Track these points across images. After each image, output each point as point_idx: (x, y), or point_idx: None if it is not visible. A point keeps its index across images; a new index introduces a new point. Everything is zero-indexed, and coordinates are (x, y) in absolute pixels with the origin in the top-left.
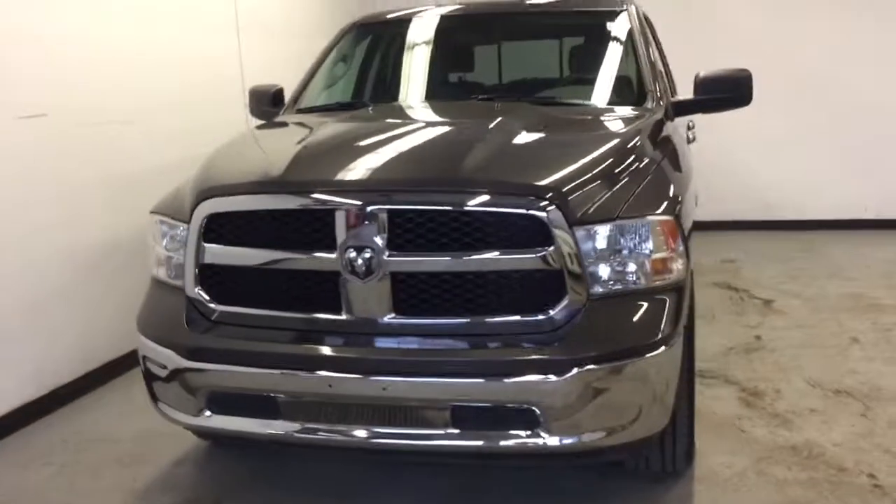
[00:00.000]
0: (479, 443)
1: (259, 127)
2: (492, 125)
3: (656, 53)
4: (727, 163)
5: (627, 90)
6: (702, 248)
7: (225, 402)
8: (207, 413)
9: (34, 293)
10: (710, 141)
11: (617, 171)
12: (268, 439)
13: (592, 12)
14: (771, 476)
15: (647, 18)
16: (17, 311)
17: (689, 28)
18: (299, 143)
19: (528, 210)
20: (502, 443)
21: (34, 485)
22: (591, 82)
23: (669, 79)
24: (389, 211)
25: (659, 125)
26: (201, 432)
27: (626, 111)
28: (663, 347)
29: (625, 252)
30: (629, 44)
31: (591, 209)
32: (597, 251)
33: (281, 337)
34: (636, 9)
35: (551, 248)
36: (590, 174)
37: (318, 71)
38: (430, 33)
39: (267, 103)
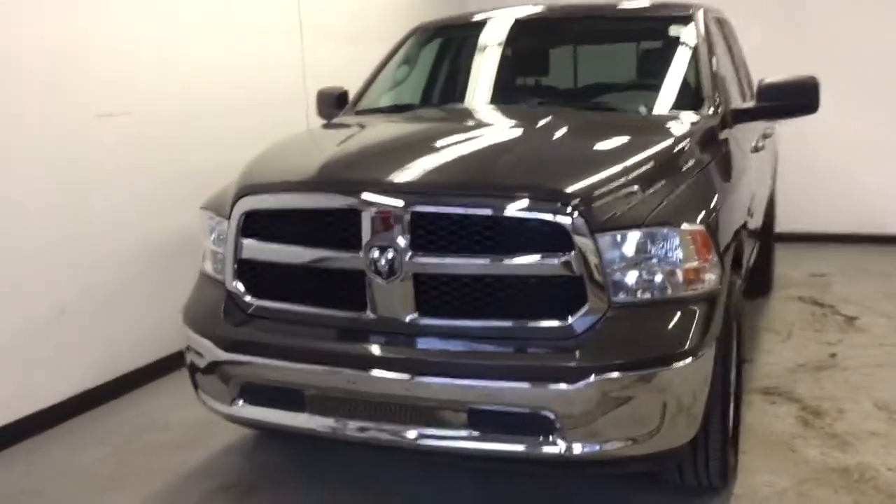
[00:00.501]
0: (496, 446)
1: (313, 128)
2: (530, 131)
3: (722, 59)
4: (825, 172)
5: (683, 97)
6: (791, 260)
7: (256, 393)
8: (240, 403)
9: (108, 284)
10: (806, 148)
11: (650, 177)
12: (294, 431)
13: (656, 17)
14: (813, 498)
15: (721, 22)
16: (90, 301)
17: (793, 32)
18: (338, 144)
19: (549, 215)
20: (519, 447)
21: (86, 463)
22: (646, 88)
23: (746, 83)
24: (413, 213)
25: (711, 132)
26: (235, 421)
27: (677, 118)
28: (690, 359)
29: (652, 260)
30: (690, 50)
31: (616, 216)
32: (621, 258)
33: (309, 332)
34: (704, 14)
35: (572, 253)
36: (619, 180)
37: (380, 74)
38: (487, 38)
39: (332, 105)
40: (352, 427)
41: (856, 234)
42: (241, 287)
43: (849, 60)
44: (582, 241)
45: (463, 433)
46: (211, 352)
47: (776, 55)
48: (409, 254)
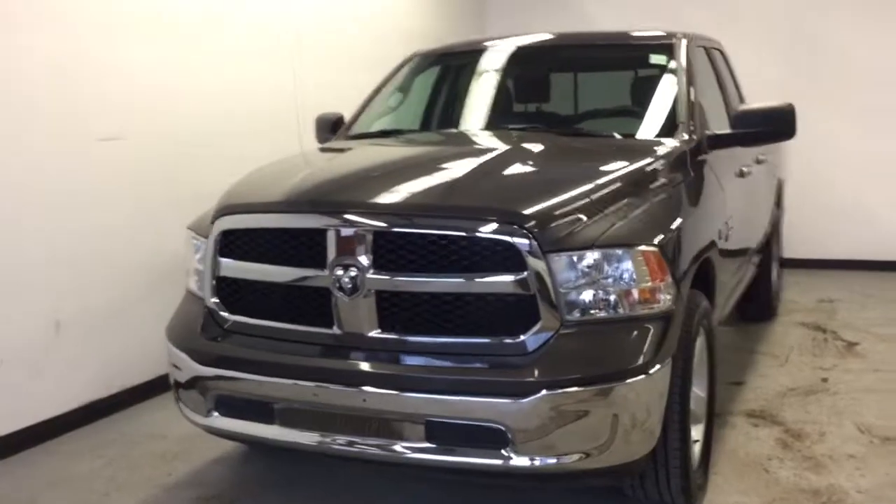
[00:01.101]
0: (452, 458)
1: (297, 153)
2: (499, 156)
3: (705, 87)
4: (838, 198)
5: (658, 123)
6: (802, 286)
7: (230, 405)
8: (215, 414)
9: (106, 303)
10: (819, 175)
11: (609, 200)
12: (265, 442)
13: (639, 46)
14: None
15: (709, 50)
16: (88, 318)
17: (803, 58)
18: (314, 168)
19: (502, 236)
20: (473, 460)
21: (82, 473)
22: (624, 114)
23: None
24: (374, 233)
25: (681, 158)
26: (212, 431)
27: (649, 143)
28: (642, 375)
29: (605, 280)
30: (669, 78)
31: (570, 237)
32: (574, 278)
33: (278, 347)
34: (686, 43)
35: (525, 273)
36: (577, 202)
37: (374, 100)
38: (476, 67)
39: (327, 130)
40: (317, 439)
41: (869, 260)
42: (218, 303)
43: (861, 85)
44: (534, 262)
45: (420, 445)
46: (188, 365)
47: (786, 80)
48: (371, 272)
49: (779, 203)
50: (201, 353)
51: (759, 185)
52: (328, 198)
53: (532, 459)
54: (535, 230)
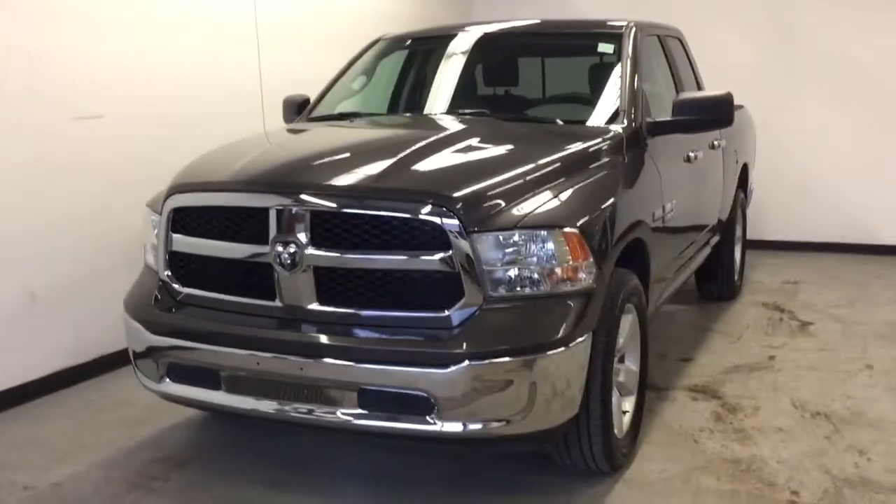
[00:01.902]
0: (382, 423)
1: (252, 134)
2: (437, 138)
3: (655, 75)
4: (811, 182)
5: (600, 109)
6: (770, 268)
7: (180, 372)
8: (167, 381)
9: (85, 274)
10: (792, 159)
11: (537, 182)
12: (212, 407)
13: (589, 34)
14: (695, 484)
15: (663, 39)
16: (61, 290)
17: (781, 47)
18: (265, 148)
19: (428, 216)
20: (402, 425)
21: (50, 434)
22: (567, 101)
23: None
24: (311, 211)
25: (618, 143)
26: (165, 397)
27: (587, 130)
28: (562, 348)
29: (527, 259)
30: (614, 66)
31: (491, 217)
32: (497, 257)
33: (226, 318)
34: (634, 32)
35: (450, 252)
36: (504, 185)
37: (337, 83)
38: (434, 53)
39: (293, 112)
40: (258, 404)
41: (839, 243)
42: (171, 276)
43: (835, 73)
44: (459, 241)
45: (353, 411)
46: (142, 334)
47: (765, 70)
48: (309, 249)
49: (743, 186)
50: (154, 324)
51: (711, 170)
52: (270, 178)
53: (455, 425)
54: (461, 211)
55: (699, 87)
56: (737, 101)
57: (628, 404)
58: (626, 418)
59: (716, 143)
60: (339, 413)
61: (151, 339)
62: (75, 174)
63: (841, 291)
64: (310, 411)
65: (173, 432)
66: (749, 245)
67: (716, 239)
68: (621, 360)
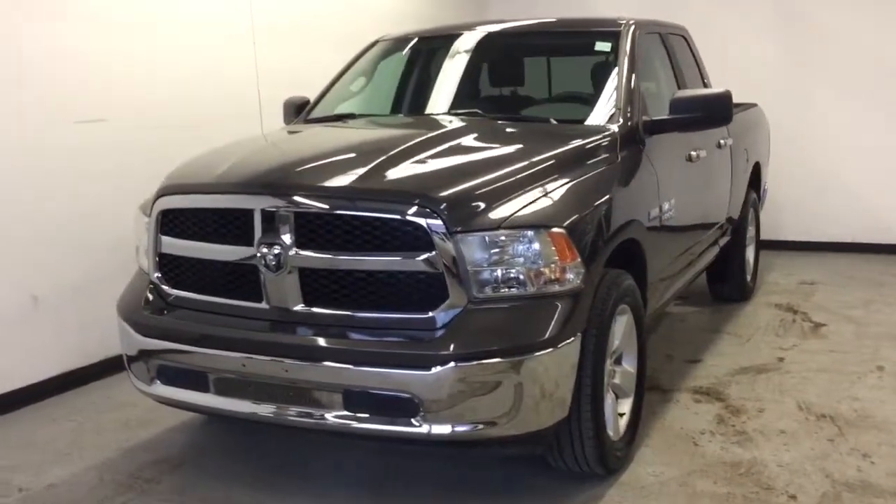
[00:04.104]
0: (367, 426)
1: (245, 137)
2: (427, 138)
3: (655, 73)
4: (828, 181)
5: (596, 108)
6: (787, 268)
7: (170, 374)
8: (157, 383)
9: (88, 277)
10: (809, 158)
11: (521, 181)
12: (201, 410)
13: (587, 33)
14: (691, 488)
15: (664, 37)
16: (64, 293)
17: (797, 42)
18: (254, 150)
19: (411, 217)
20: (387, 427)
21: (50, 436)
22: (563, 100)
23: None
24: (295, 213)
25: (611, 143)
26: (156, 399)
27: (580, 129)
28: (549, 349)
29: (513, 259)
30: (609, 64)
31: (476, 217)
32: (480, 257)
33: (214, 320)
34: (632, 30)
35: (433, 253)
36: (490, 185)
37: (335, 84)
38: (433, 53)
39: (292, 113)
40: (246, 406)
41: (857, 243)
42: (161, 278)
43: (851, 71)
44: (442, 242)
45: (339, 413)
46: (132, 336)
47: (782, 68)
48: (294, 250)
49: (756, 186)
50: (144, 326)
51: (717, 169)
52: (255, 180)
53: (442, 427)
54: (445, 212)
55: (705, 86)
56: (752, 100)
57: (625, 406)
58: (623, 421)
59: (722, 141)
60: (324, 415)
61: (142, 342)
62: (77, 177)
63: (857, 292)
64: (296, 413)
65: (171, 435)
66: (765, 245)
67: (725, 239)
68: (617, 362)
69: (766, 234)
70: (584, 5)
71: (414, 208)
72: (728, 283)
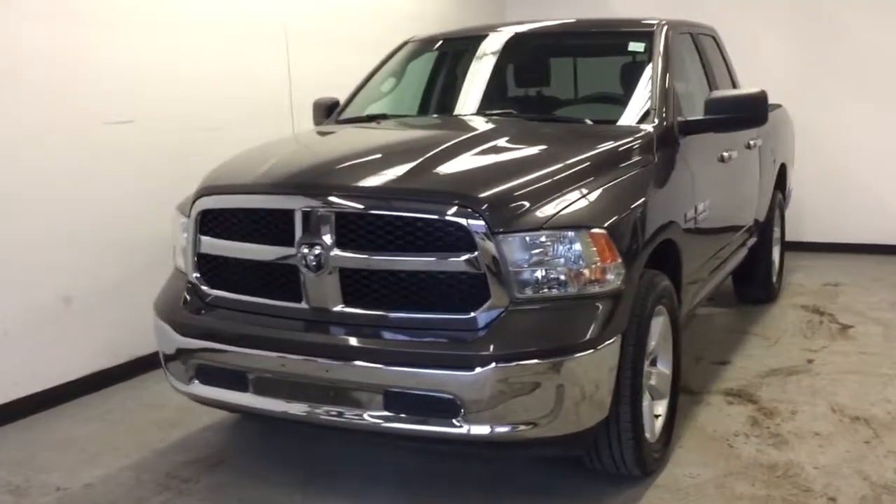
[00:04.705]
0: (408, 426)
1: (282, 137)
2: (464, 139)
3: (687, 73)
4: (852, 183)
5: (630, 109)
6: (810, 270)
7: (209, 374)
8: (196, 382)
9: (118, 278)
10: (834, 160)
11: (561, 182)
12: (240, 409)
13: (619, 33)
14: (729, 490)
15: (696, 37)
16: (96, 293)
17: (821, 46)
18: (292, 151)
19: (452, 217)
20: (428, 427)
21: (81, 436)
22: (597, 100)
23: None
24: (336, 213)
25: (647, 143)
26: (194, 398)
27: (616, 129)
28: (590, 350)
29: (554, 260)
30: (644, 65)
31: (517, 218)
32: (521, 258)
33: (253, 320)
34: (665, 31)
35: (476, 253)
36: (530, 185)
37: (366, 84)
38: (465, 54)
39: (322, 114)
40: (285, 406)
41: (881, 244)
42: (199, 278)
43: (876, 72)
44: (484, 242)
45: (379, 414)
46: (171, 336)
47: (805, 69)
48: (335, 251)
49: (781, 187)
50: (183, 326)
51: (747, 170)
52: (296, 180)
53: (482, 428)
54: (486, 212)
55: (734, 86)
56: (775, 101)
57: (661, 408)
58: (659, 422)
59: (751, 142)
60: (364, 415)
61: (180, 341)
62: (107, 178)
63: (883, 294)
64: (336, 413)
65: (204, 434)
66: (788, 247)
67: (753, 240)
68: (653, 363)
69: (787, 236)
70: (600, 7)
71: (454, 208)
72: (754, 284)
